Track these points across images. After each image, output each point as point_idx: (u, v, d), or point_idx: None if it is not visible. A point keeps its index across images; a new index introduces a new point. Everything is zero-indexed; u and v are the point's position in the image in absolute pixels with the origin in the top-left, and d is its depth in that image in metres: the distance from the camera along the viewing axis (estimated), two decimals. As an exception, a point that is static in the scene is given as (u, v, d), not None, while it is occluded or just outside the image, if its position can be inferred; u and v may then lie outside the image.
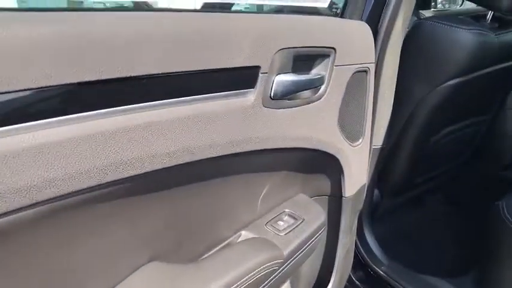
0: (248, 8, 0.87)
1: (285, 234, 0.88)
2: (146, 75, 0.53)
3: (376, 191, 1.45)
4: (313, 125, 0.82)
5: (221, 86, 0.65)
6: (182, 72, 0.57)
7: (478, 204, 1.48)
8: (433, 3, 2.33)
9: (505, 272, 1.14)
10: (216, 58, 0.61)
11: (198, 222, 0.80)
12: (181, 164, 0.60)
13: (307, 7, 0.96)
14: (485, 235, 1.25)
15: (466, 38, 1.13)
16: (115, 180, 0.53)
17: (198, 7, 0.77)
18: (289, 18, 0.80)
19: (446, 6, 2.50)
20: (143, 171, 0.56)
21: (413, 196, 1.69)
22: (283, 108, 0.75)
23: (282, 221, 0.92)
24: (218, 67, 0.61)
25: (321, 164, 0.96)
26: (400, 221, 1.67)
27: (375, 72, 1.03)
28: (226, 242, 0.86)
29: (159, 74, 0.55)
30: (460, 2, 2.40)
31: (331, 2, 0.97)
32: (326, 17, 0.93)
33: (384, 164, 1.30)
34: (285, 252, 0.84)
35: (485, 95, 1.48)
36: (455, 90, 1.21)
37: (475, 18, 1.24)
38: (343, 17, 0.96)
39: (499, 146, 1.78)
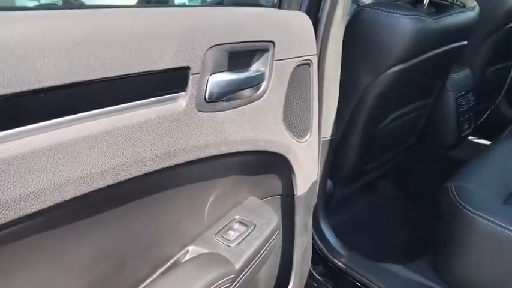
0: (185, 2, 0.80)
1: (237, 244, 0.82)
2: (49, 87, 0.45)
3: (328, 182, 1.44)
4: (257, 126, 0.77)
5: (148, 92, 0.57)
6: (95, 80, 0.49)
7: (428, 186, 1.51)
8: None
9: (459, 253, 1.16)
10: (137, 61, 0.53)
11: (141, 242, 0.73)
12: (112, 184, 0.53)
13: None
14: (437, 217, 1.27)
15: (406, 24, 1.12)
16: (39, 211, 0.46)
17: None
18: (222, 11, 0.73)
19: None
20: (68, 198, 0.48)
21: (365, 183, 1.70)
22: (222, 110, 0.68)
23: (233, 230, 0.86)
24: (140, 71, 0.54)
25: (269, 165, 0.91)
26: (355, 210, 1.68)
27: (318, 64, 0.99)
28: (173, 259, 0.79)
29: (66, 84, 0.46)
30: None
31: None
32: (263, 8, 0.88)
33: (334, 155, 1.28)
34: (237, 266, 0.78)
35: (427, 79, 1.50)
36: (398, 77, 1.21)
37: (412, 4, 1.24)
38: (281, 8, 0.91)
39: (442, 127, 1.83)
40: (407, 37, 1.14)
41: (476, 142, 2.13)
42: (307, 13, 0.92)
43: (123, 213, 0.64)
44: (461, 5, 1.35)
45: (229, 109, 0.70)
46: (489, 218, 1.06)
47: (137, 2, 1.04)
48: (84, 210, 0.56)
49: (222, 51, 0.65)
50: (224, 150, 0.70)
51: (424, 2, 1.21)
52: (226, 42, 0.66)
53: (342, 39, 1.07)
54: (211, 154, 0.67)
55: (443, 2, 1.28)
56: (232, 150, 0.72)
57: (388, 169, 1.76)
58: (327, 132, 1.15)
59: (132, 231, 0.69)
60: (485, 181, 1.23)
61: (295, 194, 0.96)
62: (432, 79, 1.56)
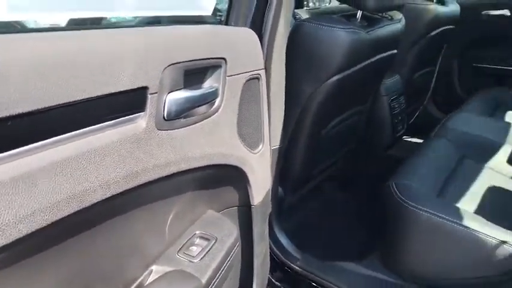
0: (123, 20, 0.79)
1: (200, 259, 0.83)
2: (4, 117, 0.43)
3: (279, 189, 1.48)
4: (213, 140, 0.79)
5: (108, 114, 0.57)
6: (54, 106, 0.48)
7: (371, 185, 1.60)
8: (305, 2, 2.48)
9: (403, 245, 1.24)
10: (96, 84, 0.53)
11: (104, 266, 0.71)
12: (77, 210, 0.52)
13: (190, 16, 0.91)
14: (381, 214, 1.35)
15: (342, 37, 1.20)
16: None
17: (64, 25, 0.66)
18: (176, 30, 0.74)
19: (317, 4, 2.67)
20: (34, 229, 0.46)
21: (313, 187, 1.77)
22: (180, 128, 0.69)
23: (195, 245, 0.86)
24: (100, 94, 0.54)
25: (225, 177, 0.93)
26: (305, 214, 1.74)
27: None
28: (137, 281, 0.77)
29: (23, 112, 0.45)
30: (329, 0, 2.59)
31: (215, 9, 0.94)
32: (213, 26, 0.90)
33: (283, 162, 1.33)
34: (203, 280, 0.79)
35: (363, 86, 1.60)
36: (338, 85, 1.28)
37: (347, 18, 1.33)
38: (228, 24, 0.94)
39: (379, 128, 1.97)
40: (345, 49, 1.22)
41: (410, 141, 2.30)
42: (251, 28, 0.96)
43: (85, 239, 0.62)
44: (390, 17, 1.47)
45: (187, 126, 0.71)
46: (427, 209, 1.16)
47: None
48: (47, 238, 0.55)
49: (178, 70, 0.66)
50: (183, 167, 0.70)
51: (357, 16, 1.31)
52: (182, 60, 0.67)
53: (284, 52, 1.12)
54: (171, 172, 0.68)
55: (373, 15, 1.38)
56: (191, 167, 0.73)
57: (333, 172, 1.85)
58: (276, 141, 1.19)
59: (95, 257, 0.68)
60: (421, 177, 1.34)
61: (251, 204, 0.99)
62: (368, 86, 1.67)
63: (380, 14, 1.42)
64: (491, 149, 1.56)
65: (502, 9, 2.35)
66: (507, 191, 1.38)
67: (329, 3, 2.62)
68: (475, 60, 2.50)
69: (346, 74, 1.29)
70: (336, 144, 1.69)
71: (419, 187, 1.28)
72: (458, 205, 1.24)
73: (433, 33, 1.98)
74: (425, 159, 1.46)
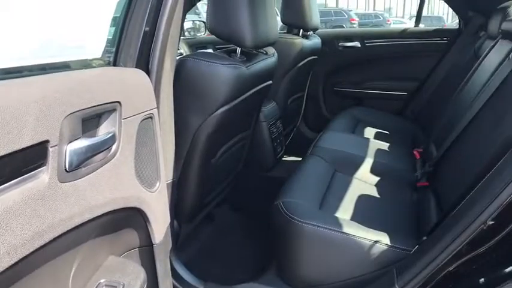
0: (15, 71, 0.74)
1: None
2: None
3: (174, 222, 1.48)
4: (114, 185, 0.78)
5: (10, 174, 0.54)
6: None
7: (260, 205, 1.70)
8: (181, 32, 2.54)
9: (295, 258, 1.35)
10: None
11: None
12: None
13: (80, 61, 0.89)
14: (273, 231, 1.45)
15: (225, 72, 1.29)
16: None
17: None
18: (70, 76, 0.73)
19: (192, 33, 2.76)
20: None
21: (206, 214, 1.81)
22: (82, 177, 0.68)
23: (102, 294, 0.83)
24: (1, 154, 0.51)
25: (125, 220, 0.92)
26: (201, 242, 1.76)
27: None
28: None
29: None
30: (204, 30, 2.70)
31: (104, 50, 0.93)
32: (104, 69, 0.90)
33: (176, 195, 1.35)
34: None
35: (246, 115, 1.72)
36: (224, 116, 1.36)
37: (227, 53, 1.43)
38: (117, 65, 0.94)
39: (261, 152, 2.11)
40: (229, 83, 1.31)
41: (289, 160, 2.50)
42: (139, 67, 0.98)
43: None
44: (264, 52, 1.62)
45: (88, 174, 0.70)
46: (311, 222, 1.29)
47: None
48: None
49: (76, 119, 0.66)
50: (87, 217, 0.69)
51: (237, 52, 1.42)
52: (79, 109, 0.67)
53: (172, 88, 1.16)
54: (76, 224, 0.66)
55: (251, 51, 1.51)
56: (95, 215, 0.71)
57: (224, 197, 1.92)
58: (169, 176, 1.21)
59: None
60: (304, 194, 1.48)
61: (153, 243, 0.99)
62: (250, 114, 1.79)
63: (255, 51, 1.56)
64: (356, 163, 1.80)
65: (354, 41, 2.77)
66: (372, 196, 1.61)
67: (204, 34, 2.74)
68: (335, 84, 2.87)
69: (231, 106, 1.38)
70: (225, 170, 1.76)
71: (303, 203, 1.41)
72: (337, 215, 1.41)
73: (301, 63, 2.22)
74: (305, 177, 1.62)
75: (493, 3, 2.04)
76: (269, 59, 1.62)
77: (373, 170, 1.75)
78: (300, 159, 2.04)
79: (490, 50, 1.76)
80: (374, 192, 1.64)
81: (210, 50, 2.39)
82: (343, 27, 12.16)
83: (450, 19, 17.59)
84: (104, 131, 0.77)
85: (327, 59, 2.73)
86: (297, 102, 2.57)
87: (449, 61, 2.58)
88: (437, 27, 2.97)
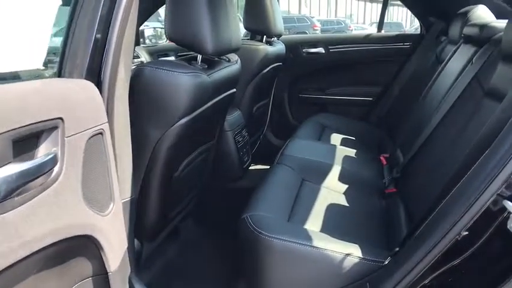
0: None
1: None
2: None
3: (136, 241, 1.39)
4: (56, 213, 0.69)
5: None
6: None
7: (226, 218, 1.64)
8: (141, 40, 2.45)
9: (265, 273, 1.29)
10: None
11: None
12: None
13: (16, 72, 0.78)
14: (241, 247, 1.39)
15: (185, 81, 1.22)
16: None
17: None
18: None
19: (153, 41, 2.67)
20: None
21: (171, 230, 1.72)
22: (13, 208, 0.58)
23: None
24: None
25: (75, 249, 0.82)
26: (165, 260, 1.67)
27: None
28: None
29: None
30: (166, 38, 2.61)
31: (46, 59, 0.83)
32: (44, 81, 0.80)
33: (136, 213, 1.26)
34: None
35: (209, 125, 1.65)
36: (185, 127, 1.29)
37: (188, 61, 1.35)
38: (61, 77, 0.85)
39: (227, 162, 2.04)
40: (188, 92, 1.24)
41: (256, 169, 2.44)
42: (88, 79, 0.89)
43: None
44: (227, 59, 1.56)
45: (23, 204, 0.60)
46: (280, 237, 1.24)
47: None
48: None
49: (6, 141, 0.56)
50: (23, 254, 0.60)
51: (198, 59, 1.34)
52: (8, 129, 0.57)
53: (127, 98, 1.07)
54: (9, 264, 0.57)
55: (212, 58, 1.44)
56: (33, 250, 0.62)
57: (189, 211, 1.83)
58: (126, 193, 1.12)
59: None
60: (272, 206, 1.43)
61: (108, 271, 0.90)
62: (213, 124, 1.72)
63: (218, 58, 1.50)
64: (324, 171, 1.77)
65: (319, 47, 2.76)
66: (341, 205, 1.58)
67: (166, 41, 2.65)
68: (300, 91, 2.85)
69: (192, 116, 1.30)
70: (189, 184, 1.68)
71: (271, 216, 1.36)
72: (306, 227, 1.36)
73: (265, 70, 2.18)
74: (272, 187, 1.56)
75: (453, 8, 2.08)
76: (232, 66, 1.56)
77: (341, 178, 1.72)
78: (267, 167, 1.99)
79: (453, 54, 1.78)
80: (343, 201, 1.60)
81: (172, 58, 2.30)
82: (307, 34, 12.35)
83: (409, 25, 18.28)
84: (43, 152, 0.67)
85: (292, 66, 2.71)
86: (263, 109, 2.53)
87: (412, 66, 2.63)
88: (400, 33, 3.01)
